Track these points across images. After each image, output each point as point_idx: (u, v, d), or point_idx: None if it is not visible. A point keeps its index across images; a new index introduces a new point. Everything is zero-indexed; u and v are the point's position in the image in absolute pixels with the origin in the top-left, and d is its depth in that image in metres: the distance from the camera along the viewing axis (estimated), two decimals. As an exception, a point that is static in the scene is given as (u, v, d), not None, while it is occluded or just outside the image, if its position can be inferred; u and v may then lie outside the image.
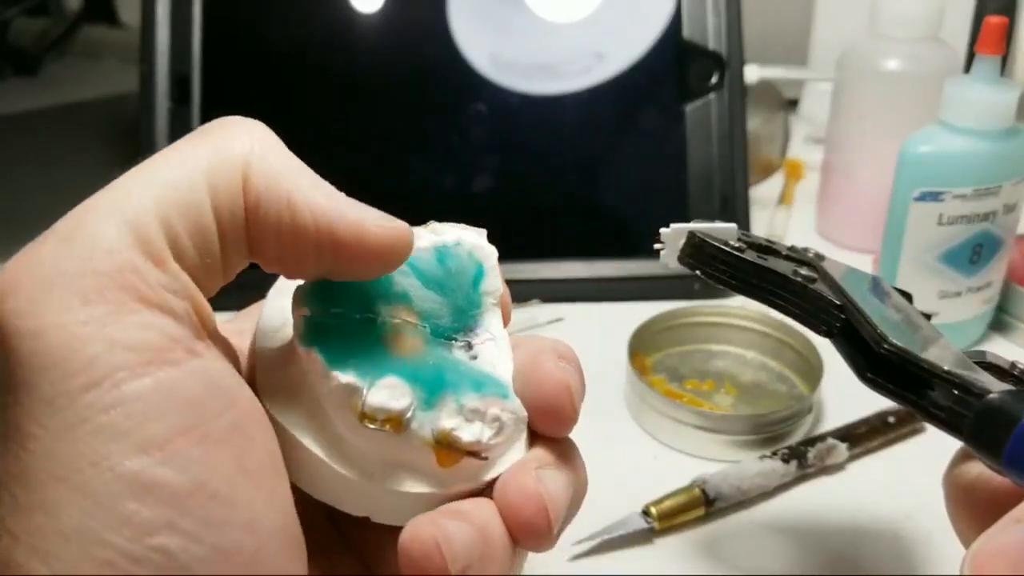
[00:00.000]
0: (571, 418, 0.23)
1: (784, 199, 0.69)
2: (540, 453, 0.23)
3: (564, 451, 0.24)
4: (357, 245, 0.21)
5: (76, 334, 0.18)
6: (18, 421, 0.18)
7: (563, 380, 0.23)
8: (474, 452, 0.22)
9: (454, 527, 0.21)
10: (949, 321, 0.49)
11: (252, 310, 0.26)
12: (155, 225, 0.19)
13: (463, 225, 0.26)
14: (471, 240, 0.25)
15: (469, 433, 0.22)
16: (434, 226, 0.26)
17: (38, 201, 0.66)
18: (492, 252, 0.26)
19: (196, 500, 0.18)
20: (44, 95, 0.90)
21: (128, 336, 0.18)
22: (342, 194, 0.21)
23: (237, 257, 0.21)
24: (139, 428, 0.18)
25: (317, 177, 0.22)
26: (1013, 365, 0.26)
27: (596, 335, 0.52)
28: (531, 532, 0.22)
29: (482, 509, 0.22)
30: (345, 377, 0.21)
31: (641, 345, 0.48)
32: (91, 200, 0.19)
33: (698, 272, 0.29)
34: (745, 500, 0.40)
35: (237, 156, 0.21)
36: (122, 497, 0.17)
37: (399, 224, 0.22)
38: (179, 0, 0.57)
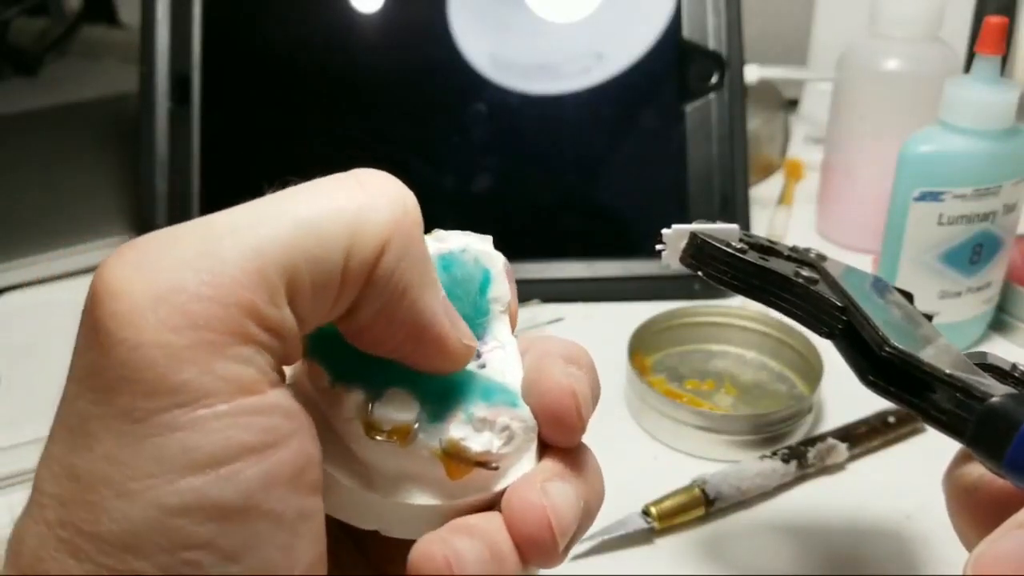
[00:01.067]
0: (577, 427, 0.23)
1: (784, 199, 0.69)
2: (549, 464, 0.23)
3: (576, 461, 0.23)
4: (434, 351, 0.21)
5: (175, 356, 0.17)
6: (88, 419, 0.18)
7: (568, 388, 0.22)
8: (483, 462, 0.22)
9: (464, 545, 0.20)
10: (949, 321, 0.49)
11: None
12: (285, 269, 0.19)
13: (468, 232, 0.26)
14: (477, 246, 0.25)
15: (478, 443, 0.22)
16: (438, 234, 0.25)
17: (38, 201, 0.66)
18: (499, 258, 0.25)
19: (245, 519, 0.18)
20: (44, 95, 0.90)
21: (223, 368, 0.18)
22: (444, 296, 0.22)
23: (336, 313, 0.21)
24: (206, 446, 0.17)
25: (434, 274, 0.22)
26: (1014, 367, 0.26)
27: (596, 335, 0.52)
28: (535, 547, 0.21)
29: (491, 524, 0.21)
30: (350, 389, 0.21)
31: (641, 345, 0.48)
32: (230, 219, 0.19)
33: (700, 273, 0.29)
34: (745, 500, 0.40)
35: (383, 227, 0.20)
36: (171, 513, 0.17)
37: (473, 344, 0.22)
38: (179, 0, 0.57)
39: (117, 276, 0.18)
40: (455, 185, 0.58)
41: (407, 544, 0.22)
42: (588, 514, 0.23)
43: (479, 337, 0.24)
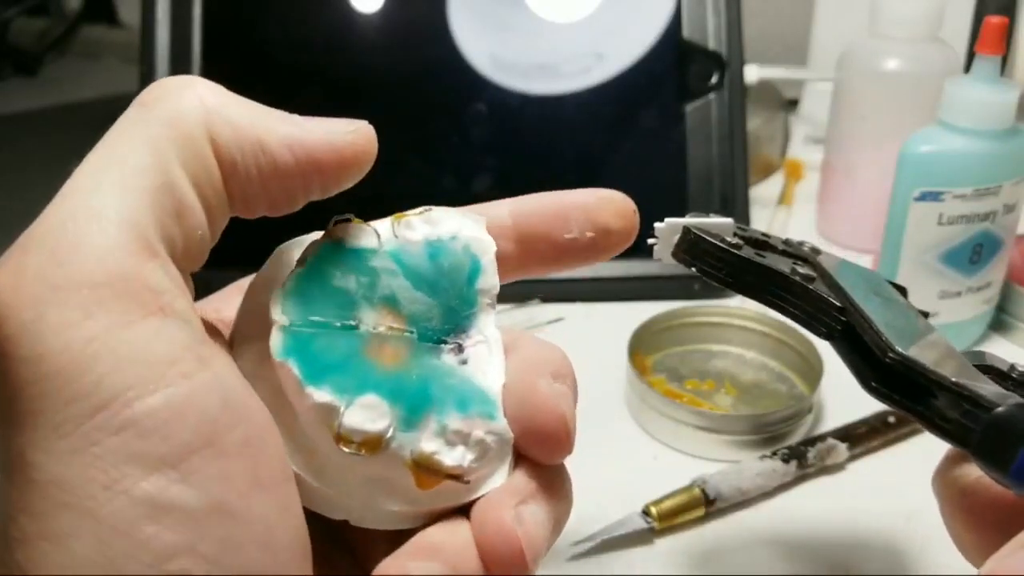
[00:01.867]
0: (565, 451, 0.22)
1: (784, 199, 0.69)
2: (523, 481, 0.22)
3: (551, 478, 0.23)
4: (337, 162, 0.21)
5: (81, 354, 0.16)
6: (21, 450, 0.17)
7: (559, 413, 0.22)
8: (455, 476, 0.21)
9: (423, 569, 0.20)
10: (949, 321, 0.49)
11: (230, 290, 0.25)
12: (139, 220, 0.18)
13: (462, 211, 0.24)
14: (468, 233, 0.24)
15: (451, 458, 0.21)
16: (430, 214, 0.24)
17: (38, 202, 0.66)
18: (490, 245, 0.24)
19: (214, 520, 0.17)
20: (44, 95, 0.91)
21: (136, 350, 0.17)
22: (298, 116, 0.21)
23: (222, 218, 0.21)
24: (153, 448, 0.17)
25: (272, 109, 0.21)
26: (1012, 368, 0.26)
27: (596, 335, 0.52)
28: (505, 571, 0.21)
29: (456, 540, 0.21)
30: (320, 395, 0.20)
31: (641, 345, 0.48)
32: (63, 203, 0.18)
33: (693, 269, 0.28)
34: (745, 500, 0.40)
35: (197, 121, 0.19)
36: (139, 521, 0.16)
37: (361, 126, 0.22)
38: (179, 0, 0.57)
39: None
40: (455, 185, 0.58)
41: (385, 537, 0.21)
42: (557, 530, 0.22)
43: (463, 330, 0.23)
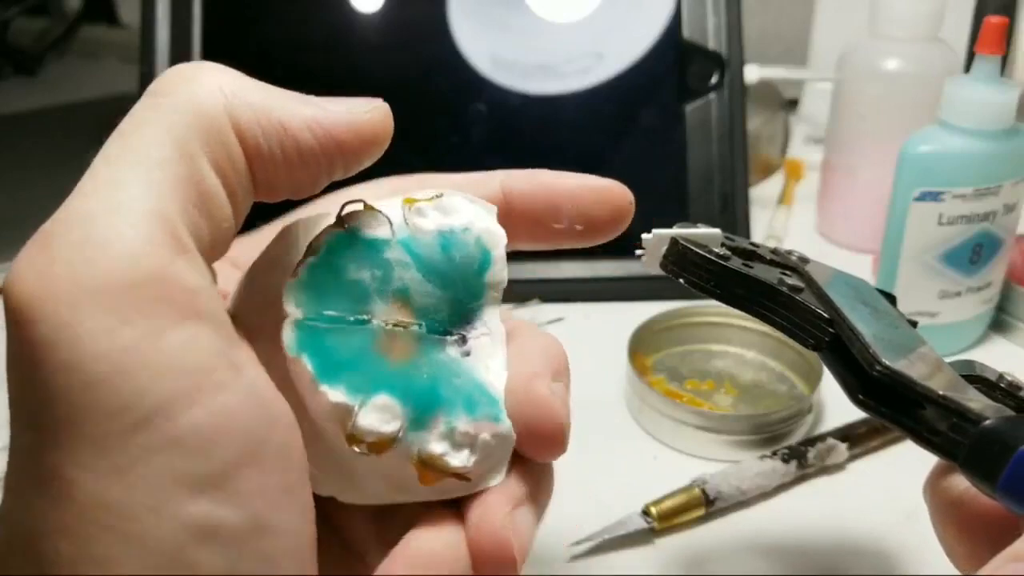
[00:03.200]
0: (560, 451, 0.23)
1: (784, 199, 0.69)
2: (518, 484, 0.23)
3: (539, 476, 0.23)
4: (357, 140, 0.21)
5: (118, 364, 0.16)
6: (57, 466, 0.16)
7: (557, 414, 0.22)
8: (459, 475, 0.22)
9: None
10: (949, 321, 0.49)
11: (245, 240, 0.25)
12: (167, 213, 0.17)
13: (472, 197, 0.24)
14: (481, 224, 0.24)
15: (457, 459, 0.22)
16: (442, 202, 0.24)
17: (38, 202, 0.66)
18: (501, 237, 0.24)
19: (254, 537, 0.17)
20: (44, 95, 0.90)
21: (172, 360, 0.16)
22: (316, 97, 0.21)
23: (245, 205, 0.21)
24: (199, 467, 0.16)
25: (291, 92, 0.21)
26: (1001, 377, 0.26)
27: (596, 335, 0.52)
28: (495, 571, 0.21)
29: (449, 547, 0.21)
30: (336, 395, 0.20)
31: (641, 345, 0.48)
32: (85, 198, 0.17)
33: (681, 280, 0.28)
34: (745, 500, 0.40)
35: (217, 106, 0.19)
36: (187, 545, 0.16)
37: (378, 104, 0.22)
38: (179, 0, 0.57)
39: (28, 299, 0.16)
40: (455, 185, 0.58)
41: (376, 518, 0.22)
42: (539, 523, 0.23)
43: (468, 322, 0.23)
